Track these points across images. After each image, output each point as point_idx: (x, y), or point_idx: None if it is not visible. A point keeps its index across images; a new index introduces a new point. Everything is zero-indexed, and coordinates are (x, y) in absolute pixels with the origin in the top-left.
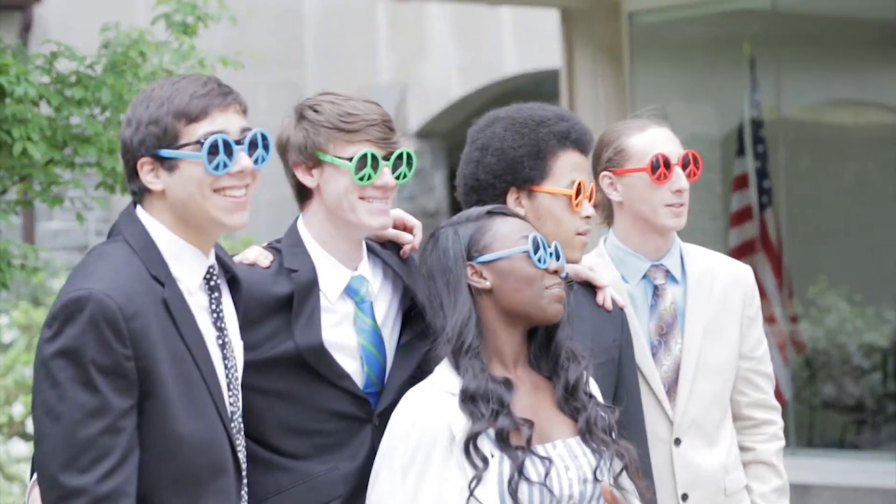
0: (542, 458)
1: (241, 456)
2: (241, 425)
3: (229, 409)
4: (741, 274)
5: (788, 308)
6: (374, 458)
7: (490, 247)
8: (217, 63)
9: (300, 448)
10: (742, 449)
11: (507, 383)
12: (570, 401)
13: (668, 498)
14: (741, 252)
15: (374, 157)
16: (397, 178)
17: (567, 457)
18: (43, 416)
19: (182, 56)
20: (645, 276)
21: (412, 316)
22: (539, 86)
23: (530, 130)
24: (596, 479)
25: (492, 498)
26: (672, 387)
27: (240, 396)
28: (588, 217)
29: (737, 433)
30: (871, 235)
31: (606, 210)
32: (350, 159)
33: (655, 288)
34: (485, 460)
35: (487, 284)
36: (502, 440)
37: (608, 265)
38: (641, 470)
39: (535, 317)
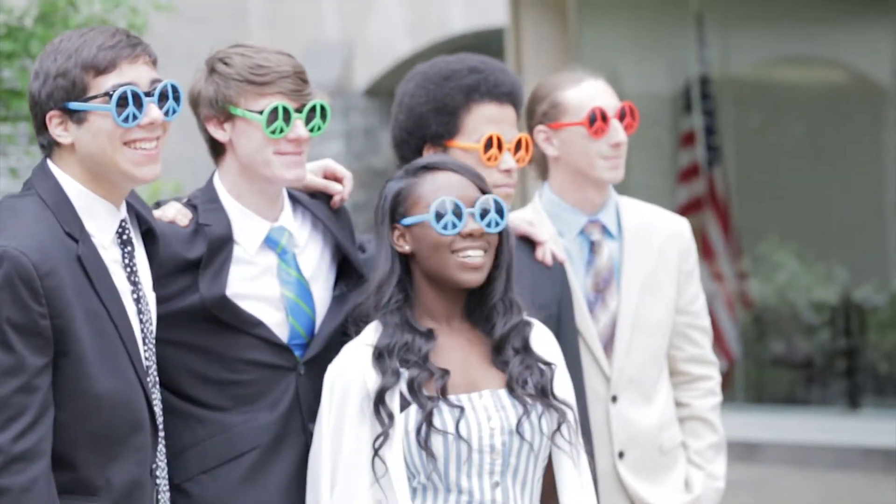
0: (453, 406)
1: (158, 411)
2: (157, 379)
3: (145, 363)
4: (678, 228)
5: (737, 265)
6: (297, 408)
7: (411, 209)
8: (151, 10)
9: (217, 399)
10: (678, 405)
11: (429, 334)
12: (501, 354)
13: (605, 456)
14: (689, 209)
15: (285, 110)
16: (311, 130)
17: (492, 407)
18: None
19: (115, 3)
20: (581, 232)
21: (347, 267)
22: (487, 43)
23: (436, 86)
24: (518, 433)
25: (396, 455)
26: (609, 343)
27: (154, 351)
28: (507, 170)
29: (673, 389)
30: (821, 192)
31: (541, 165)
32: (261, 112)
33: (592, 243)
34: (391, 416)
35: (407, 249)
36: (413, 391)
37: (544, 220)
38: (580, 428)
39: (451, 284)
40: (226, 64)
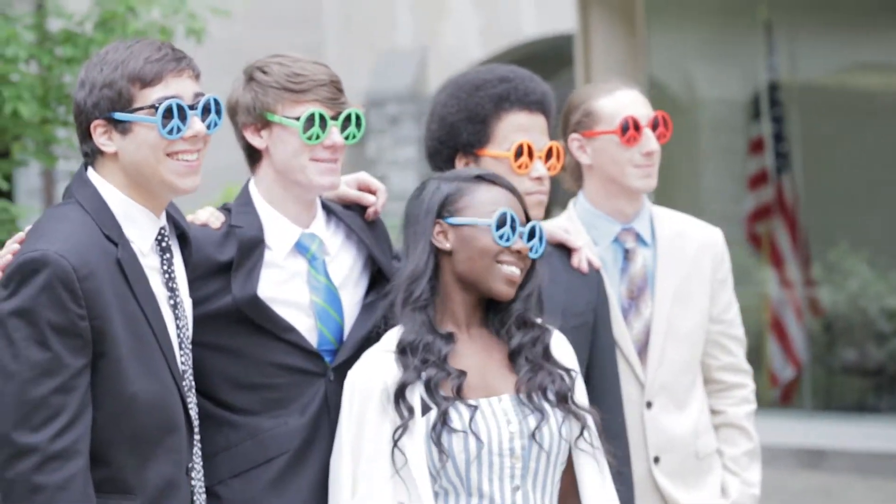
0: (469, 406)
1: (193, 413)
2: (193, 383)
3: (181, 367)
4: (711, 237)
5: (806, 272)
6: (325, 412)
7: (462, 210)
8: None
9: (248, 403)
10: (713, 412)
11: (449, 337)
12: (516, 363)
13: (640, 461)
14: (757, 216)
15: (321, 117)
16: (346, 138)
17: (511, 411)
18: None
19: (174, 9)
20: (615, 240)
21: (379, 278)
22: (558, 49)
23: (467, 95)
24: (533, 438)
25: (417, 449)
26: (643, 350)
27: (190, 355)
28: (539, 178)
29: (708, 397)
30: (893, 199)
31: (576, 173)
32: (298, 119)
33: (626, 251)
34: (410, 410)
35: (448, 246)
36: (430, 390)
37: (578, 228)
38: (614, 433)
39: (483, 290)
40: (264, 72)
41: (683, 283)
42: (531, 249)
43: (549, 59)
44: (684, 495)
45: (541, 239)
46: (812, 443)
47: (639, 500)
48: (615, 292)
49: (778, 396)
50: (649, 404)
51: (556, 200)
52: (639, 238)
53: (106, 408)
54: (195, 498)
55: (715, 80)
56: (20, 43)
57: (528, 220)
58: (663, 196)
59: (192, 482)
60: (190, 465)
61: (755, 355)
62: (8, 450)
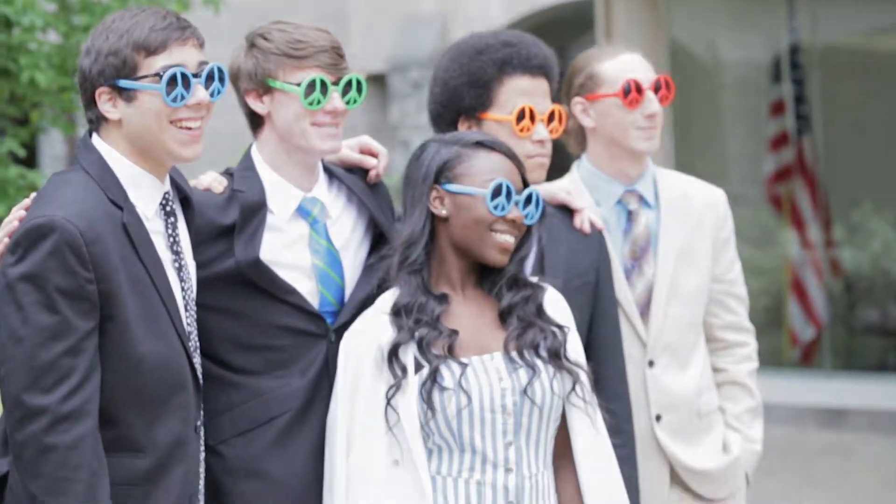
0: (460, 363)
1: (199, 373)
2: (198, 344)
3: (186, 328)
4: (714, 198)
5: (827, 233)
6: (326, 373)
7: (459, 178)
8: None
9: (251, 364)
10: (715, 370)
11: (443, 298)
12: (506, 322)
13: (642, 419)
14: (778, 177)
15: (323, 83)
16: (347, 103)
17: (503, 368)
18: (7, 340)
19: None
20: (619, 202)
21: (381, 240)
22: (579, 14)
23: (469, 59)
24: (525, 394)
25: (409, 407)
26: (645, 310)
27: (195, 317)
28: (541, 141)
29: (710, 355)
30: None
31: (579, 136)
32: (299, 84)
33: (629, 213)
34: (404, 369)
35: (444, 213)
36: (422, 349)
37: (581, 190)
38: (616, 391)
39: (476, 257)
40: (265, 39)
41: (686, 243)
42: (526, 216)
43: (571, 23)
44: (686, 452)
45: (537, 205)
46: (832, 402)
47: (640, 458)
48: (618, 253)
49: (798, 356)
50: (651, 363)
51: (567, 166)
52: (642, 200)
53: (114, 369)
54: (200, 455)
55: (736, 42)
56: (37, 11)
57: (526, 185)
58: (685, 158)
59: (201, 440)
60: (198, 423)
61: (776, 315)
62: (19, 412)
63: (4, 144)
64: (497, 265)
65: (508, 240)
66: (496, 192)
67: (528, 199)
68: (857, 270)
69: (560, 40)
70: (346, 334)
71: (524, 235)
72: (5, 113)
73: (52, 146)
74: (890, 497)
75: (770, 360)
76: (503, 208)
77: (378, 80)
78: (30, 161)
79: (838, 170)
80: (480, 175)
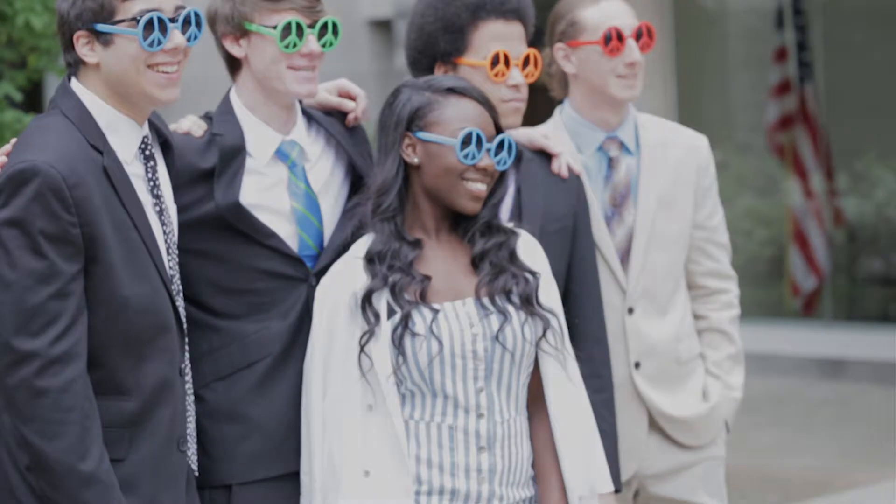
0: (431, 309)
1: (182, 316)
2: (180, 286)
3: (169, 271)
4: (696, 144)
5: (829, 182)
6: (307, 317)
7: (430, 126)
8: None
9: (233, 307)
10: (696, 317)
11: (416, 243)
12: (478, 268)
13: (621, 366)
14: (780, 125)
15: (298, 26)
16: (323, 46)
17: (475, 314)
18: None
19: None
20: (599, 148)
21: (360, 184)
22: None
23: (444, 5)
24: (497, 340)
25: (382, 353)
26: (625, 257)
27: (177, 260)
28: (515, 86)
29: (691, 302)
30: None
31: (562, 82)
32: (275, 28)
33: (610, 159)
34: (377, 316)
35: (416, 161)
36: (395, 294)
37: (563, 136)
38: (594, 336)
39: (449, 205)
40: None
41: (667, 190)
42: (498, 163)
43: None
44: (664, 399)
45: (510, 151)
46: (833, 352)
47: (619, 405)
48: (599, 200)
49: (800, 306)
50: (631, 310)
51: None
52: (623, 146)
53: (99, 312)
54: (187, 399)
55: None
56: None
57: (499, 131)
58: (689, 106)
59: (186, 383)
60: (183, 365)
61: (777, 265)
62: (9, 356)
63: (1, 88)
64: (469, 213)
65: (480, 188)
66: (466, 142)
67: (500, 146)
68: (861, 220)
69: None
70: (322, 280)
71: (497, 181)
72: (3, 57)
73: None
74: (890, 447)
75: (771, 310)
76: (473, 157)
77: (384, 26)
78: (35, 105)
79: (842, 118)
80: (451, 123)
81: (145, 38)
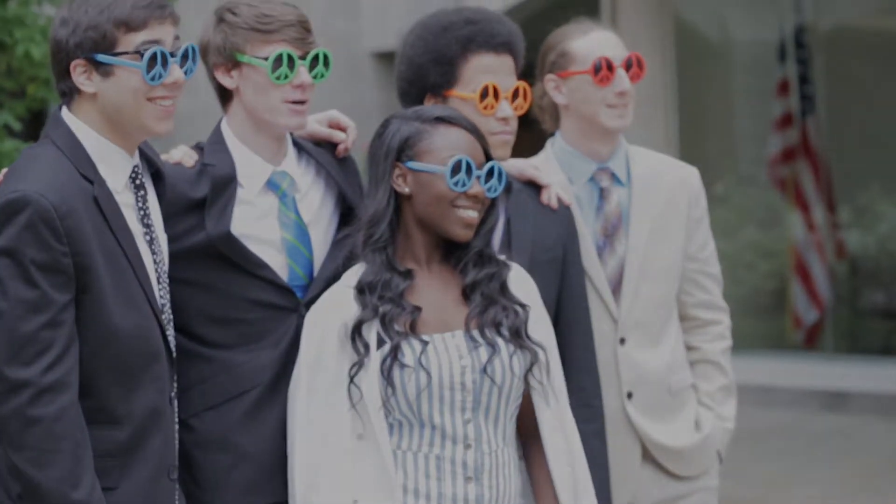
0: (421, 341)
1: (172, 345)
2: (171, 316)
3: (159, 301)
4: (687, 176)
5: (831, 215)
6: (297, 347)
7: (420, 155)
8: None
9: (223, 337)
10: (688, 348)
11: (408, 273)
12: (470, 298)
13: (613, 396)
14: (782, 158)
15: (290, 57)
16: (314, 77)
17: (464, 346)
18: None
19: None
20: (591, 179)
21: (350, 214)
22: None
23: (434, 37)
24: (485, 372)
25: (372, 384)
26: (617, 287)
27: (168, 290)
28: (504, 118)
29: (684, 333)
30: None
31: (553, 113)
32: (266, 59)
33: (601, 190)
34: (366, 347)
35: (406, 191)
36: (385, 325)
37: (555, 167)
38: (584, 366)
39: (441, 233)
40: (233, 13)
41: (658, 220)
42: (489, 190)
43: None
44: (657, 429)
45: (500, 178)
46: (835, 385)
47: (611, 435)
48: (590, 231)
49: (802, 339)
50: (623, 340)
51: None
52: (614, 177)
53: (90, 341)
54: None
55: (742, 22)
56: None
57: (489, 158)
58: (691, 139)
59: (175, 412)
60: (172, 394)
61: (779, 297)
62: (1, 386)
63: (0, 117)
64: (461, 240)
65: (471, 215)
66: (456, 169)
67: (490, 173)
68: (863, 252)
69: (567, 20)
70: (313, 308)
71: (489, 209)
72: (2, 86)
73: None
74: (891, 479)
75: (773, 342)
76: (463, 184)
77: (388, 58)
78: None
79: (844, 151)
80: (440, 152)
81: (148, 72)
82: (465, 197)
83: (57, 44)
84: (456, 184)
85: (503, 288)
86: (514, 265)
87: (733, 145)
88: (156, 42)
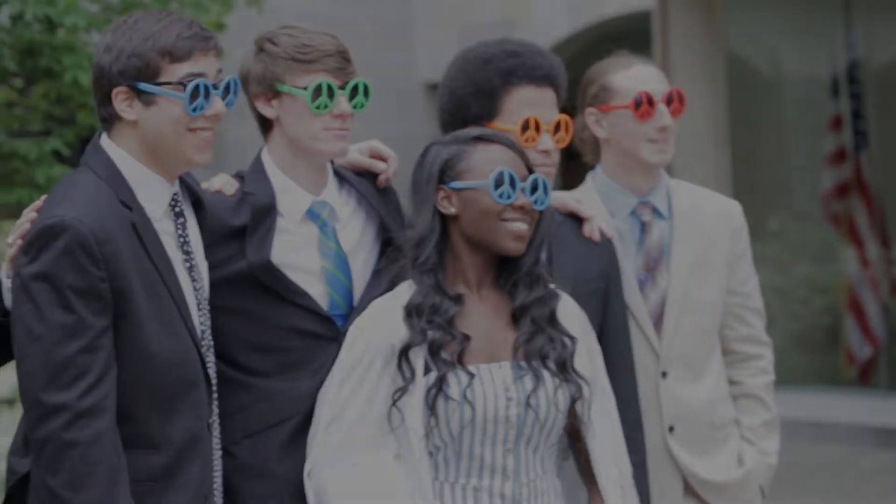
0: (467, 373)
1: (212, 372)
2: (211, 343)
3: (199, 327)
4: (729, 210)
5: (885, 251)
6: None
7: (462, 174)
8: None
9: (264, 365)
10: (731, 383)
11: (458, 298)
12: (519, 323)
13: (655, 430)
14: (836, 194)
15: (329, 87)
16: (354, 107)
17: (510, 378)
18: (24, 338)
19: None
20: (632, 213)
21: (391, 244)
22: (639, 26)
23: (475, 69)
24: (529, 406)
25: (415, 411)
26: (659, 321)
27: (208, 316)
28: (546, 151)
29: (726, 367)
30: None
31: (594, 146)
32: (306, 88)
33: (643, 224)
34: (412, 372)
35: (453, 211)
36: (433, 353)
37: (596, 200)
38: (625, 398)
39: (493, 249)
40: (273, 44)
41: (700, 255)
42: (535, 202)
43: (630, 36)
44: (699, 464)
45: (545, 190)
46: (888, 421)
47: (653, 469)
48: (632, 264)
49: (856, 375)
50: (664, 374)
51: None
52: (655, 211)
53: (128, 366)
54: (214, 454)
55: (794, 56)
56: (80, 12)
57: (531, 172)
58: (743, 173)
59: (214, 438)
60: (211, 420)
61: (833, 333)
62: (38, 410)
63: (49, 143)
64: (513, 254)
65: (521, 227)
66: (499, 182)
67: (535, 185)
68: None
69: (624, 50)
70: (357, 320)
71: (538, 223)
72: (52, 113)
73: None
74: None
75: (827, 378)
76: (508, 196)
77: None
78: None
79: None
80: (482, 167)
81: (190, 103)
82: (512, 209)
83: (100, 70)
84: (501, 195)
85: (552, 316)
86: (564, 294)
87: (787, 180)
88: (199, 75)
